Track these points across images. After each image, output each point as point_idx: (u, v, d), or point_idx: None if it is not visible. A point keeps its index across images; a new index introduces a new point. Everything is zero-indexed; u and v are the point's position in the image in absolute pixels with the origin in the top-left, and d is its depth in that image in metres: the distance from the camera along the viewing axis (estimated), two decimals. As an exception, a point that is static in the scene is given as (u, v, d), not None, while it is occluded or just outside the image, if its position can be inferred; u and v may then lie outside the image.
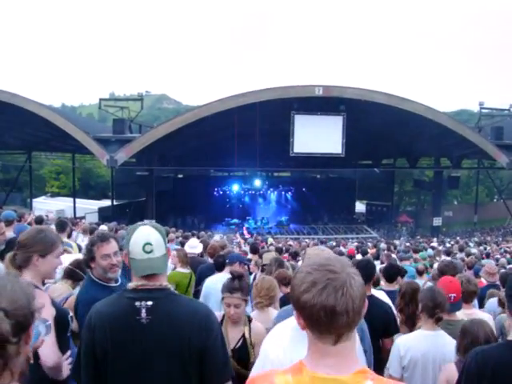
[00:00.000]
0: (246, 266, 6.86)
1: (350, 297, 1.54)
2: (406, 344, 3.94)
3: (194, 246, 8.74)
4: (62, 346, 3.02)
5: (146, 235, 2.56)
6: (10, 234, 6.42)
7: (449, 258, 12.40)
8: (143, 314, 2.45)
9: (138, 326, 2.45)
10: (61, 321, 3.06)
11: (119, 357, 2.46)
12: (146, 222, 2.75)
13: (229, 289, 3.89)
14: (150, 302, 2.46)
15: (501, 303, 5.83)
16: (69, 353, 2.96)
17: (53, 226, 8.01)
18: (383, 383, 1.63)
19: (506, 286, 2.91)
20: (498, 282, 7.30)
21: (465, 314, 4.62)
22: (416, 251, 15.88)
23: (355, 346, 1.67)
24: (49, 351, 2.82)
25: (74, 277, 4.84)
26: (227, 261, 6.48)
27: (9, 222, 6.92)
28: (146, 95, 46.61)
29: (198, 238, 13.57)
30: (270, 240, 22.09)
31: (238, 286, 3.86)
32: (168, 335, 2.46)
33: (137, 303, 2.47)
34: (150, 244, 2.52)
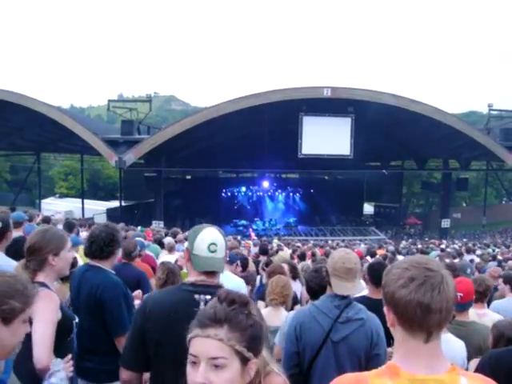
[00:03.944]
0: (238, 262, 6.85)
1: (445, 296, 1.56)
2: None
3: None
4: (65, 350, 3.02)
5: (212, 236, 2.70)
6: (19, 234, 6.41)
7: (457, 260, 12.30)
8: (202, 306, 2.51)
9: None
10: (65, 325, 3.06)
11: (171, 345, 2.51)
12: (209, 224, 2.85)
13: (201, 320, 1.65)
14: (208, 296, 2.54)
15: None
16: (69, 356, 2.95)
17: (60, 227, 8.02)
18: (473, 379, 1.65)
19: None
20: (500, 285, 7.20)
21: (477, 314, 4.59)
22: (423, 253, 15.81)
23: (441, 344, 1.67)
24: (42, 353, 2.82)
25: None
26: (227, 259, 6.44)
27: (19, 224, 6.91)
28: (155, 96, 46.88)
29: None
30: (276, 241, 22.01)
31: (222, 315, 1.63)
32: None
33: (196, 296, 2.58)
34: (215, 244, 2.67)
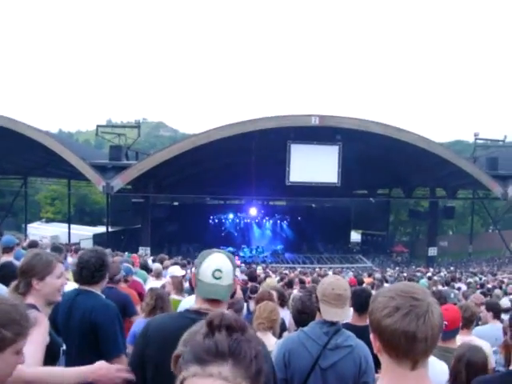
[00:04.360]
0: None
1: (430, 325, 1.56)
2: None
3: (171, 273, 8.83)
4: None
5: (218, 262, 2.63)
6: (10, 260, 6.33)
7: (445, 288, 12.32)
8: None
9: None
10: (52, 351, 3.02)
11: (168, 373, 2.48)
12: (219, 250, 2.81)
13: (200, 355, 1.30)
14: None
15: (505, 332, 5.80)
16: None
17: (48, 251, 7.94)
18: None
19: (510, 316, 2.90)
20: (482, 312, 7.23)
21: (462, 341, 4.59)
22: (411, 281, 15.79)
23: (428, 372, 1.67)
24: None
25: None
26: None
27: (9, 249, 6.83)
28: (143, 122, 47.06)
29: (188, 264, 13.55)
30: (260, 268, 21.93)
31: (225, 348, 1.30)
32: None
33: None
34: (220, 271, 2.59)
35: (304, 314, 4.15)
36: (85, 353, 3.65)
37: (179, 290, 7.27)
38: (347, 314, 3.33)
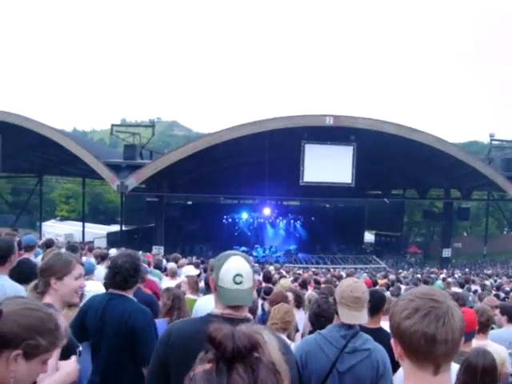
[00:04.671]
0: None
1: (450, 327, 1.55)
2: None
3: (186, 272, 8.90)
4: None
5: (237, 266, 2.57)
6: (33, 258, 6.37)
7: (461, 290, 12.25)
8: None
9: None
10: (67, 353, 3.01)
11: None
12: (235, 251, 2.73)
13: None
14: None
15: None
16: None
17: (63, 250, 7.99)
18: None
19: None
20: (497, 316, 7.17)
21: (478, 345, 4.55)
22: (426, 282, 15.71)
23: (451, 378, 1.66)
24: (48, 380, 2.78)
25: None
26: None
27: (30, 248, 6.86)
28: (157, 122, 47.16)
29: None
30: (272, 268, 21.93)
31: None
32: None
33: None
34: (240, 276, 2.53)
35: (322, 318, 4.14)
36: (118, 355, 3.66)
37: (194, 289, 7.27)
38: (365, 317, 3.31)
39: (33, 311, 1.94)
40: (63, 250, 7.74)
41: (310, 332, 5.04)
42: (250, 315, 2.66)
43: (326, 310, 4.18)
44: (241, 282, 2.53)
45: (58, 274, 3.11)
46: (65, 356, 2.92)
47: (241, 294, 2.54)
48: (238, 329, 1.32)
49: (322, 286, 10.92)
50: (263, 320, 6.16)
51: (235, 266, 2.57)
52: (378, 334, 3.85)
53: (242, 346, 1.23)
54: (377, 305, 4.53)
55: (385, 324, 4.81)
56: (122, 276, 3.78)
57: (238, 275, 2.53)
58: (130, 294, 3.88)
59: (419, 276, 23.97)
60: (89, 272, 6.91)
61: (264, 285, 10.05)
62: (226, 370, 1.19)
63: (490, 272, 31.50)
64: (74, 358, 2.62)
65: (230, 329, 1.30)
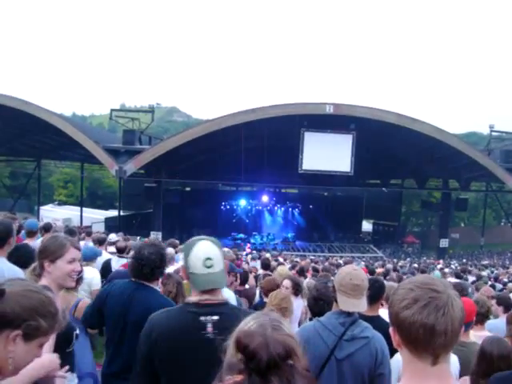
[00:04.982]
0: (237, 275, 6.76)
1: (450, 317, 1.53)
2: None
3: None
4: (63, 361, 2.95)
5: (206, 250, 2.57)
6: (33, 243, 6.32)
7: (458, 280, 12.25)
8: (209, 328, 2.45)
9: (204, 341, 2.43)
10: (65, 335, 2.98)
11: (181, 373, 2.44)
12: (201, 236, 2.72)
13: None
14: (215, 317, 2.47)
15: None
16: (66, 367, 2.86)
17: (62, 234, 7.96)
18: None
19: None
20: (493, 306, 7.18)
21: (476, 336, 4.55)
22: (423, 272, 15.73)
23: (450, 368, 1.64)
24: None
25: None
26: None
27: (33, 233, 6.82)
28: (157, 107, 46.92)
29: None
30: (268, 255, 21.92)
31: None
32: None
33: (202, 318, 2.47)
34: (210, 259, 2.53)
35: (320, 301, 4.13)
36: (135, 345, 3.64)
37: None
38: (364, 305, 3.29)
39: (34, 293, 1.93)
40: (62, 234, 7.72)
41: (310, 319, 5.05)
42: (225, 298, 2.66)
43: (325, 293, 4.18)
44: (211, 266, 2.52)
45: (50, 256, 3.08)
46: (63, 340, 2.91)
47: (213, 277, 2.53)
48: (271, 335, 1.26)
49: (320, 273, 10.92)
50: (262, 306, 6.15)
51: (204, 251, 2.56)
52: (376, 322, 3.84)
53: (276, 355, 1.18)
54: (376, 293, 4.53)
55: (383, 312, 4.83)
56: (149, 268, 3.71)
57: (207, 259, 2.53)
58: (155, 286, 3.85)
59: (416, 265, 24.04)
60: (89, 259, 6.89)
61: (262, 272, 10.05)
62: (260, 383, 1.15)
63: (486, 263, 31.61)
64: (54, 356, 2.57)
65: (262, 336, 1.24)
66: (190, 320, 2.49)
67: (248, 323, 1.43)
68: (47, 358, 2.40)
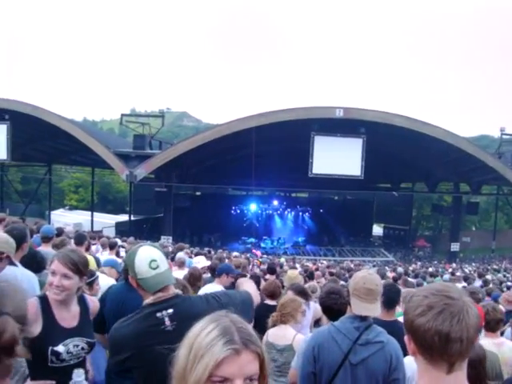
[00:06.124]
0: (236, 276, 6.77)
1: (465, 324, 1.51)
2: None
3: (197, 262, 8.98)
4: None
5: (148, 253, 2.62)
6: (48, 250, 6.29)
7: (472, 286, 12.17)
8: (167, 322, 2.51)
9: (165, 335, 2.48)
10: (40, 350, 2.94)
11: (152, 371, 2.46)
12: (140, 243, 2.80)
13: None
14: (170, 310, 2.53)
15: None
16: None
17: (72, 241, 7.99)
18: None
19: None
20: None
21: (493, 343, 4.48)
22: (433, 275, 15.65)
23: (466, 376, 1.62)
24: None
25: None
26: (216, 272, 6.48)
27: (48, 239, 6.81)
28: (167, 112, 47.11)
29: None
30: (283, 260, 21.94)
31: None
32: None
33: (158, 314, 2.53)
34: (154, 260, 2.59)
35: (333, 295, 4.10)
36: None
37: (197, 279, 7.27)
38: (378, 310, 3.28)
39: None
40: (72, 243, 7.72)
41: (316, 322, 5.05)
42: (178, 290, 2.74)
43: (337, 288, 4.22)
44: (157, 267, 2.59)
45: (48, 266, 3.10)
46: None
47: (161, 277, 2.59)
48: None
49: (328, 278, 10.90)
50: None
51: (146, 254, 2.62)
52: (393, 327, 3.83)
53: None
54: (393, 298, 4.54)
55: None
56: None
57: (152, 261, 2.59)
58: None
59: (429, 270, 23.89)
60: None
61: (268, 276, 10.01)
62: None
63: (497, 267, 31.39)
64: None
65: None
66: (148, 320, 2.55)
67: (207, 327, 1.38)
68: None
